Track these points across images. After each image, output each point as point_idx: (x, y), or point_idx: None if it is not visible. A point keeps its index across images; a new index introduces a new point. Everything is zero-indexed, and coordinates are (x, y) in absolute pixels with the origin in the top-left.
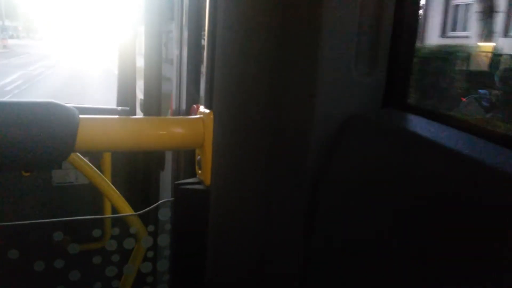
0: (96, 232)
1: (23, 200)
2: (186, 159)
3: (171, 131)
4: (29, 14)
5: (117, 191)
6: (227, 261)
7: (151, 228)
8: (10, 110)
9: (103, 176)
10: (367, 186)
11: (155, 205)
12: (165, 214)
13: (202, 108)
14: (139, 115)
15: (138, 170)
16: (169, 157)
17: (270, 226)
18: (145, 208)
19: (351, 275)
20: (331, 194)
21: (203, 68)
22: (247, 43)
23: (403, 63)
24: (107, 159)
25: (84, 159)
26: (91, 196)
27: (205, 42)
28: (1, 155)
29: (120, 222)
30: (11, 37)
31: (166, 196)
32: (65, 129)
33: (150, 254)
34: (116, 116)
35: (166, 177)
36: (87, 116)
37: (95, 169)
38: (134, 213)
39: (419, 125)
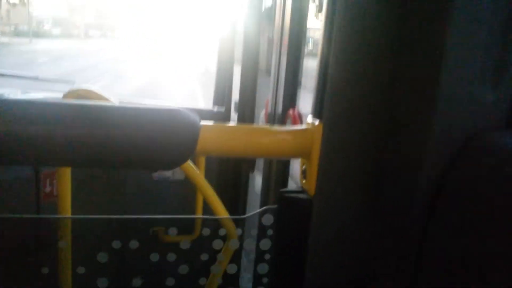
0: (205, 231)
1: (127, 192)
2: (278, 164)
3: (281, 141)
4: (101, 7)
5: (213, 190)
6: (326, 272)
7: (254, 232)
8: (139, 115)
9: (201, 175)
10: (490, 214)
11: (260, 210)
12: (268, 220)
13: (310, 119)
14: (234, 115)
15: (228, 171)
16: (260, 160)
17: (375, 243)
18: (236, 207)
19: None
20: (446, 218)
21: (301, 76)
22: (362, 59)
23: None
24: (202, 158)
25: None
26: (184, 192)
27: (318, 52)
28: (130, 156)
29: (213, 222)
30: (70, 36)
31: (255, 198)
32: (188, 135)
33: (252, 255)
34: (233, 124)
35: (256, 179)
36: (207, 123)
37: (195, 168)
38: (227, 212)
39: None
